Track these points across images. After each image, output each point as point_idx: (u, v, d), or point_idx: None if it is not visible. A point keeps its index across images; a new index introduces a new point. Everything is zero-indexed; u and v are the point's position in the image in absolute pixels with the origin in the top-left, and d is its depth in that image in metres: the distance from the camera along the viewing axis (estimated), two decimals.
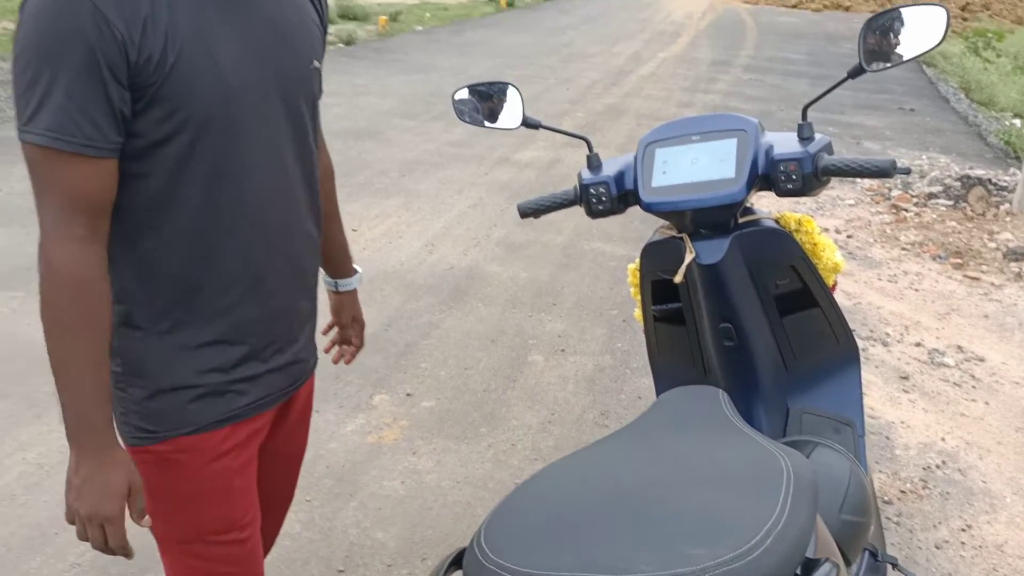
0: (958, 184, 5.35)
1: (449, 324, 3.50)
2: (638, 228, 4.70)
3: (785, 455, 1.08)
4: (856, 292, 4.05)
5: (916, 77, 11.33)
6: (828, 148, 1.61)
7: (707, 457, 1.15)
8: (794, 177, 1.55)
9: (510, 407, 2.92)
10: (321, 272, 1.45)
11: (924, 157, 6.58)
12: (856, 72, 1.60)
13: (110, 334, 1.12)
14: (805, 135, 1.59)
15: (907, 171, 1.66)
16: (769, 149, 1.58)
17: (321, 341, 1.48)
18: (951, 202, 5.17)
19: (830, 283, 1.76)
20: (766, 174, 1.57)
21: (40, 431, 2.61)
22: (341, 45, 10.80)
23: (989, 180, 5.47)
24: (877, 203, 5.40)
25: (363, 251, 4.14)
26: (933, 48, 1.55)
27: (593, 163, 1.67)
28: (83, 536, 1.14)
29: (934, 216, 5.03)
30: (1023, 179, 4.97)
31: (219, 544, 1.27)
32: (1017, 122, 8.42)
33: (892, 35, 1.59)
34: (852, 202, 5.44)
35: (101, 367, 1.10)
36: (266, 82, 1.15)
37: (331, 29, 11.72)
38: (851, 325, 3.75)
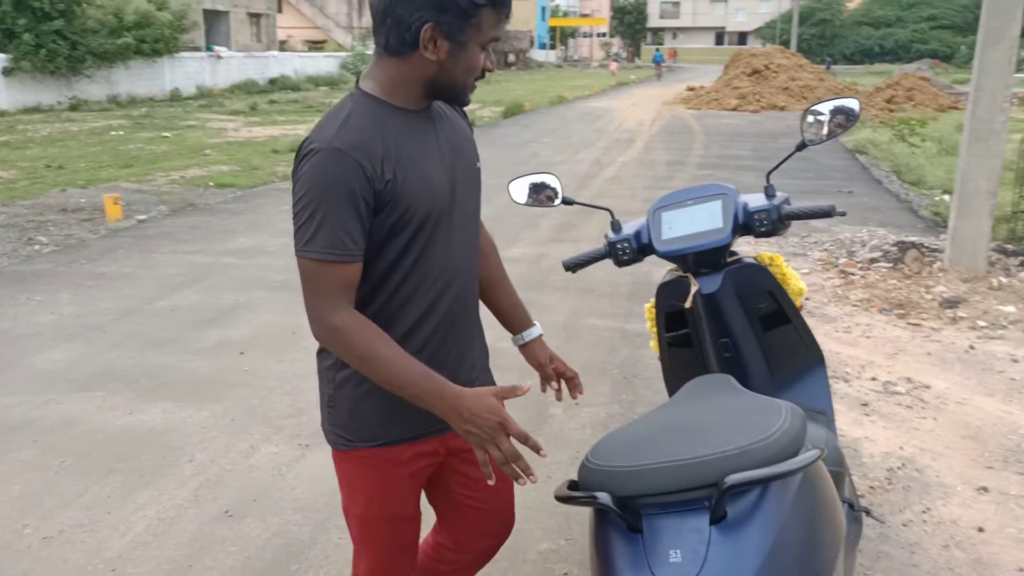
0: (895, 249, 6.13)
1: None
2: (624, 305, 5.36)
3: (782, 401, 1.66)
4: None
5: (851, 164, 12.45)
6: (787, 201, 2.24)
7: (732, 404, 1.73)
8: (765, 223, 2.17)
9: None
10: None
11: (864, 230, 7.40)
12: (801, 146, 2.25)
13: (391, 339, 1.49)
14: (770, 193, 2.22)
15: (843, 214, 2.29)
16: (746, 205, 2.21)
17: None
18: (891, 264, 5.93)
19: (798, 304, 2.37)
20: (745, 223, 2.19)
21: (152, 494, 3.09)
22: None
23: (922, 244, 6.26)
24: (828, 271, 6.14)
25: None
26: (852, 126, 2.22)
27: (616, 227, 2.30)
28: (504, 463, 1.45)
29: (877, 277, 5.77)
30: (950, 239, 5.74)
31: (393, 525, 1.73)
32: (946, 197, 9.37)
33: (822, 118, 2.26)
34: (807, 271, 6.17)
35: (405, 357, 1.48)
36: (452, 183, 1.61)
37: None
38: None
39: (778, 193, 2.20)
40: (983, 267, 5.60)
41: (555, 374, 1.95)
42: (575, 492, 1.55)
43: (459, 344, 1.70)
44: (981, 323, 4.91)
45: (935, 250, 6.11)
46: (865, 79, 33.95)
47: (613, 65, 53.32)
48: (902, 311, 5.15)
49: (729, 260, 2.21)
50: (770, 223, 2.14)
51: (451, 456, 1.77)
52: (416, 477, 1.73)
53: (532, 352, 1.92)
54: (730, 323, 2.22)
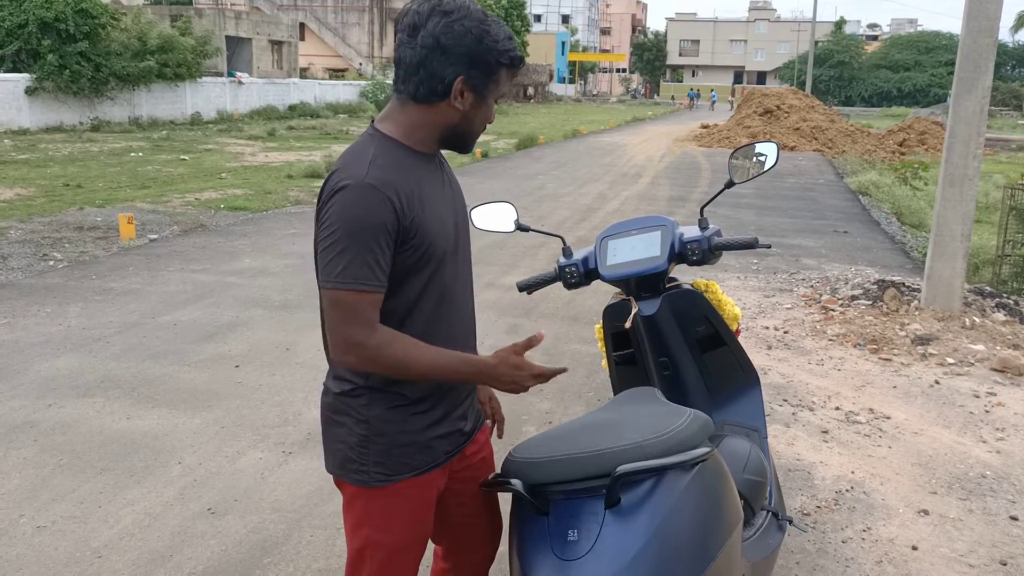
0: (875, 287, 6.31)
1: None
2: None
3: (690, 410, 1.86)
4: (789, 373, 4.89)
5: (852, 205, 12.64)
6: (718, 233, 2.45)
7: (644, 410, 1.94)
8: (697, 252, 2.39)
9: None
10: None
11: (852, 269, 7.59)
12: (729, 184, 2.48)
13: (421, 341, 1.64)
14: (703, 226, 2.43)
15: (768, 246, 2.52)
16: (681, 236, 2.43)
17: None
18: (870, 302, 6.11)
19: (734, 328, 2.57)
20: (680, 252, 2.41)
21: (141, 492, 3.31)
22: None
23: (903, 283, 6.44)
24: (810, 306, 6.33)
25: None
26: (773, 166, 2.45)
27: (567, 252, 2.52)
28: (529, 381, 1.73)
29: (855, 313, 5.95)
30: (926, 280, 5.92)
31: (417, 550, 1.80)
32: None
33: (748, 160, 2.50)
34: (789, 306, 6.37)
35: (434, 350, 1.64)
36: (457, 224, 1.75)
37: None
38: (783, 397, 4.58)
39: (711, 225, 2.41)
40: (958, 307, 5.77)
41: (491, 412, 2.07)
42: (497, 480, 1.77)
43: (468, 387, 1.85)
44: (950, 360, 5.07)
45: (915, 290, 6.28)
46: (880, 121, 34.22)
47: (686, 100, 61.39)
48: (875, 346, 5.32)
49: (668, 286, 2.42)
50: (701, 253, 2.35)
51: (449, 480, 1.85)
52: (436, 499, 1.82)
53: (480, 389, 2.01)
54: (668, 343, 2.42)
